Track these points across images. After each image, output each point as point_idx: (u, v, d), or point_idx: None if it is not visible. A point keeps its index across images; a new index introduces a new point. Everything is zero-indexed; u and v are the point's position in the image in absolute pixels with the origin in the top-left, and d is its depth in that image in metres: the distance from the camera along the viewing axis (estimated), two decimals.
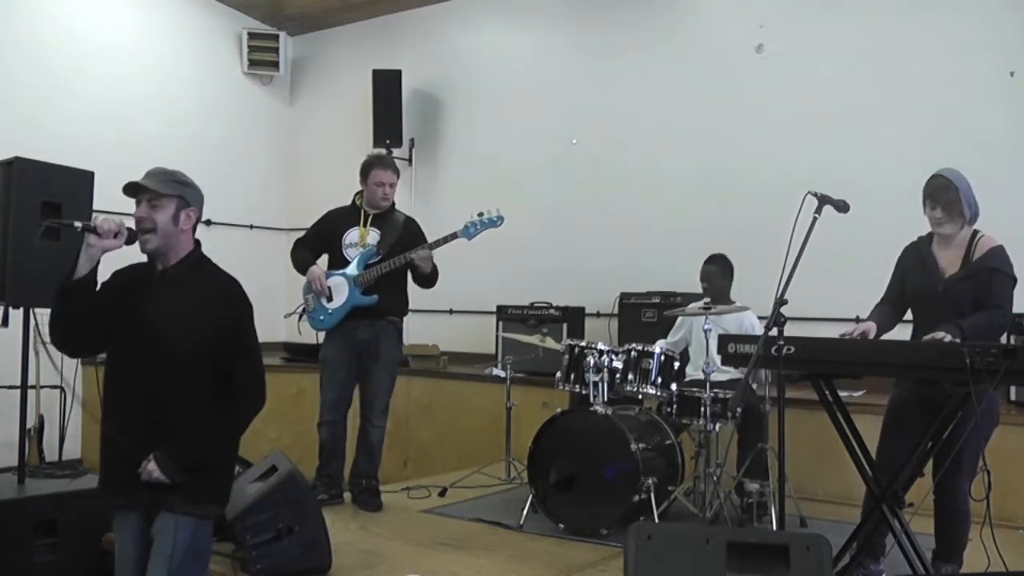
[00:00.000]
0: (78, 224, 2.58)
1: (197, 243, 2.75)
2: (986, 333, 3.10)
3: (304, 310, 4.55)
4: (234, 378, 2.63)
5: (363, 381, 4.51)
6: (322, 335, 4.61)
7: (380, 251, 4.45)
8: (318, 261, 4.58)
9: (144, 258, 2.71)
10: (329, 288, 4.43)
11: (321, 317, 4.46)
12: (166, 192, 2.64)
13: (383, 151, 7.10)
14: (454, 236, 4.41)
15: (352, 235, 4.50)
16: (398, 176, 4.59)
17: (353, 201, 4.64)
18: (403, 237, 4.50)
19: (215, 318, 2.61)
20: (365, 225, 4.51)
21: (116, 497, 2.67)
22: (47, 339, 4.72)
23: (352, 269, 4.44)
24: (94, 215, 2.62)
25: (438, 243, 4.40)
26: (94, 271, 2.59)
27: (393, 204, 4.58)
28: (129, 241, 2.62)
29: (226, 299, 2.68)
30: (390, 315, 4.51)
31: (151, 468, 2.52)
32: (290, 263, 4.62)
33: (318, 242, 4.60)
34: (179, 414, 2.57)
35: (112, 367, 2.69)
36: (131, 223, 2.63)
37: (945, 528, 3.25)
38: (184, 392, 2.58)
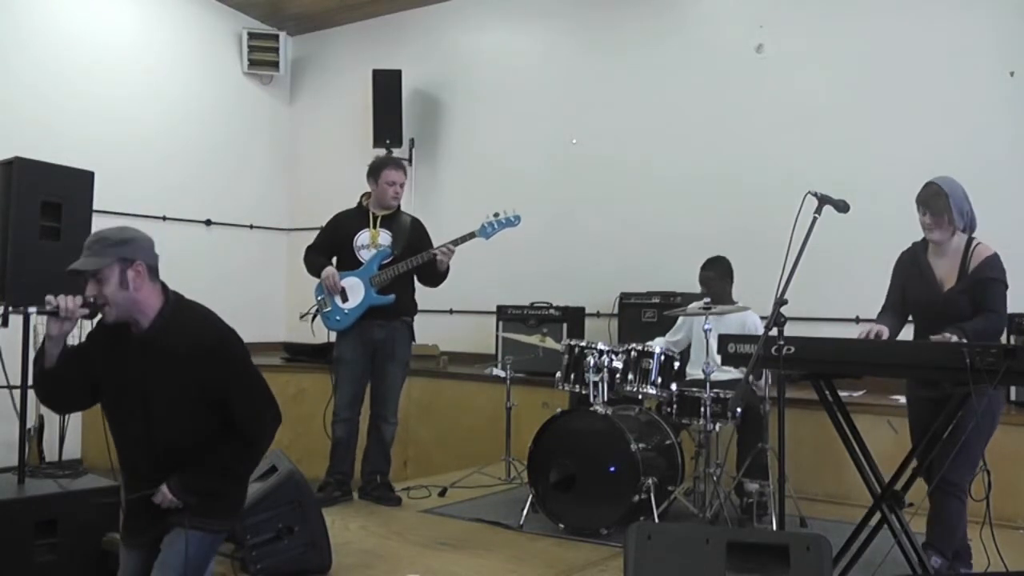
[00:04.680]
0: (32, 310, 2.56)
1: (164, 290, 2.63)
2: (985, 336, 3.12)
3: (318, 310, 4.57)
4: (236, 417, 2.62)
5: (377, 379, 4.56)
6: (323, 334, 4.63)
7: (394, 251, 4.50)
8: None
9: None
10: (343, 288, 4.46)
11: (337, 317, 4.49)
12: (102, 264, 2.51)
13: (383, 151, 7.13)
14: (472, 236, 4.49)
15: (363, 236, 4.55)
16: (406, 176, 4.65)
17: (359, 203, 4.68)
18: (412, 237, 4.57)
19: (203, 374, 2.56)
20: (375, 226, 4.55)
21: (128, 536, 2.72)
22: None
23: (367, 270, 4.48)
24: (48, 298, 2.52)
25: (457, 242, 4.45)
26: (64, 352, 2.58)
27: (399, 205, 4.65)
28: (90, 316, 2.56)
29: (212, 352, 2.58)
30: (404, 315, 4.58)
31: (165, 492, 2.54)
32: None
33: (329, 246, 4.63)
34: (181, 458, 2.57)
35: (109, 420, 2.70)
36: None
37: (938, 515, 3.26)
38: (182, 442, 2.59)
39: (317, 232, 4.81)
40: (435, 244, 4.61)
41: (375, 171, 4.58)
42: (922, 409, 3.37)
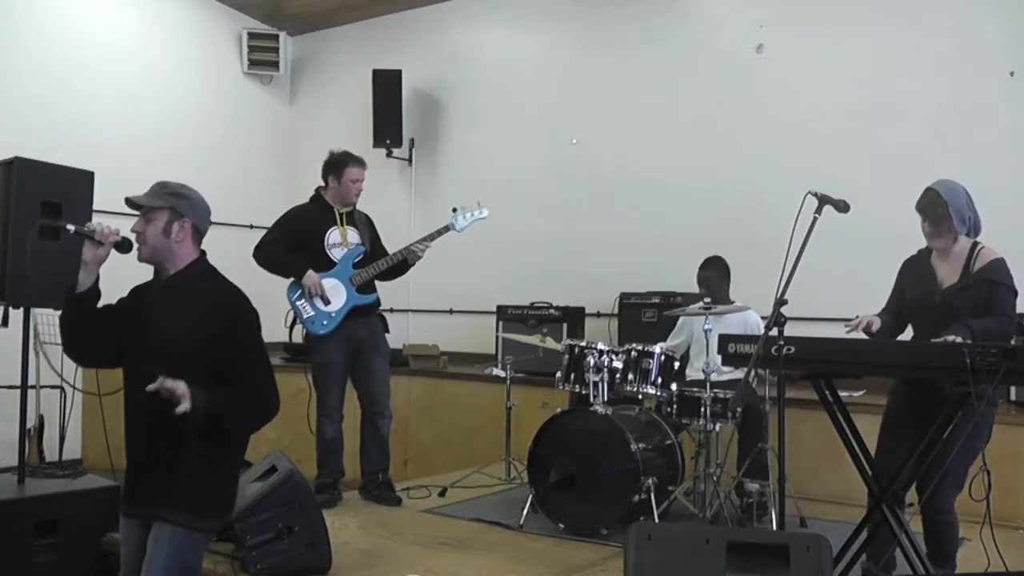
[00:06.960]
0: (70, 227, 2.59)
1: (202, 253, 2.73)
2: (993, 337, 3.09)
3: (297, 317, 4.48)
4: (245, 389, 2.61)
5: (368, 376, 4.50)
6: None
7: (365, 249, 4.49)
8: None
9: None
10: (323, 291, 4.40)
11: (324, 322, 4.41)
12: (155, 204, 2.64)
13: (384, 151, 7.13)
14: (447, 229, 4.50)
15: (334, 235, 4.49)
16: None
17: (319, 198, 4.58)
18: (372, 234, 4.61)
19: (214, 325, 2.58)
20: (342, 224, 4.51)
21: (122, 504, 2.71)
22: (47, 339, 4.73)
23: (343, 270, 4.45)
24: (93, 220, 2.61)
25: (432, 236, 4.46)
26: (95, 285, 2.62)
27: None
28: (121, 248, 2.62)
29: (226, 308, 2.64)
30: (377, 309, 4.58)
31: (183, 389, 2.42)
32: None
33: (293, 242, 4.48)
34: (180, 421, 2.53)
35: (124, 379, 2.71)
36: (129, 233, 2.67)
37: (933, 538, 3.25)
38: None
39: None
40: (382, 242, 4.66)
41: (337, 167, 4.48)
42: (904, 404, 3.31)
